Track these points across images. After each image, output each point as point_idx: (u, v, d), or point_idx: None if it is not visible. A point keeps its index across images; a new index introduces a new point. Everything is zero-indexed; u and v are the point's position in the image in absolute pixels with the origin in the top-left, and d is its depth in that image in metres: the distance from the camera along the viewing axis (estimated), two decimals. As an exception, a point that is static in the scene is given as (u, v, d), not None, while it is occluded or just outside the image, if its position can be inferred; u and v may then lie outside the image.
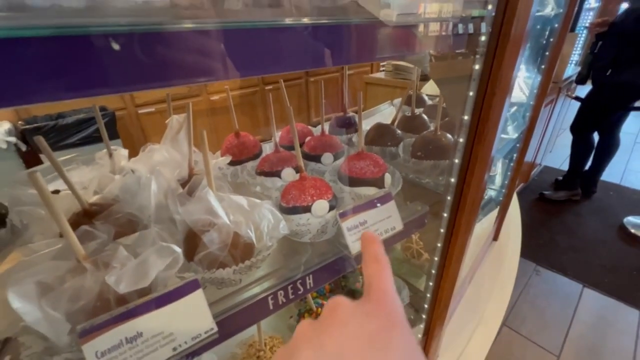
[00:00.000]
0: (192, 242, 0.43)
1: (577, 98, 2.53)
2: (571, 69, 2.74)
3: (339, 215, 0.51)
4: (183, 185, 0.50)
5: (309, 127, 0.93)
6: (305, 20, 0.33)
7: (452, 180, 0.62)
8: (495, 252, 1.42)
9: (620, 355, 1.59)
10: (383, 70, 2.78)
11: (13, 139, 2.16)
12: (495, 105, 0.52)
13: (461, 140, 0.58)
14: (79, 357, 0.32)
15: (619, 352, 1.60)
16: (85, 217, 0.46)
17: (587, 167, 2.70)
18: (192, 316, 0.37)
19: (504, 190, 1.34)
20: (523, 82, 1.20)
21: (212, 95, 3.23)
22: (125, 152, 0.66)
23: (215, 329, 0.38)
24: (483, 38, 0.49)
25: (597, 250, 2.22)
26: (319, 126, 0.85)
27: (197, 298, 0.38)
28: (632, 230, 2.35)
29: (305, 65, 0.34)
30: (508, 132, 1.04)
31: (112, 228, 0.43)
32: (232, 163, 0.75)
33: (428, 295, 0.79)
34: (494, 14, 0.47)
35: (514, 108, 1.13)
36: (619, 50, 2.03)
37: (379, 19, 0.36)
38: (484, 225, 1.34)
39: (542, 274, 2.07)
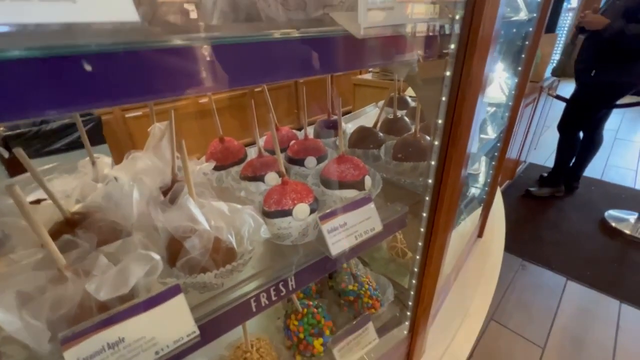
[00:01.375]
0: (174, 248, 0.45)
1: (558, 97, 2.61)
2: (551, 69, 2.82)
3: (319, 218, 0.52)
4: (166, 192, 0.51)
5: (294, 131, 0.95)
6: (277, 35, 0.35)
7: (430, 181, 0.64)
8: (480, 248, 1.46)
9: (602, 344, 1.65)
10: (371, 72, 2.81)
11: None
12: (467, 109, 0.54)
13: (436, 143, 0.60)
14: (61, 364, 0.33)
15: (600, 341, 1.66)
16: (67, 226, 0.47)
17: (570, 164, 2.78)
18: (174, 320, 0.38)
19: (486, 188, 1.38)
20: (504, 83, 1.24)
21: (201, 98, 3.21)
22: (108, 160, 0.66)
23: (197, 332, 0.39)
24: (452, 45, 0.52)
25: (580, 244, 2.29)
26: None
27: (179, 303, 0.39)
28: (613, 224, 2.43)
29: (278, 77, 0.36)
30: (488, 132, 1.07)
31: (94, 236, 0.44)
32: (217, 168, 0.76)
33: (412, 292, 0.81)
34: (462, 18, 0.49)
35: (494, 109, 1.17)
36: (601, 50, 2.09)
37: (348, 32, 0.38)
38: (468, 223, 1.38)
39: (527, 268, 2.13)
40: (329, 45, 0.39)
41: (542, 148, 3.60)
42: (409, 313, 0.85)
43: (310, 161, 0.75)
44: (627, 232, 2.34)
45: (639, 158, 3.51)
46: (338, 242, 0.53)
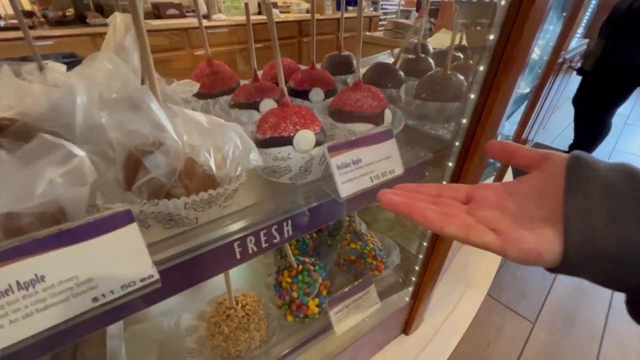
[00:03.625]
0: (131, 167, 0.33)
1: (580, 71, 2.43)
2: (575, 42, 2.61)
3: (327, 149, 0.40)
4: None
5: (300, 65, 0.80)
6: None
7: (464, 121, 0.52)
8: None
9: (592, 322, 1.64)
10: (382, 30, 2.58)
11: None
12: (532, 17, 0.41)
13: (481, 68, 0.47)
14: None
15: (591, 320, 1.65)
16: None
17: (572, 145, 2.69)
18: (122, 258, 0.27)
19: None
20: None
21: (197, 50, 2.95)
22: (62, 67, 0.52)
23: (156, 276, 0.29)
24: None
25: (580, 225, 2.25)
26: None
27: (129, 235, 0.27)
28: (614, 208, 2.38)
29: None
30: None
31: (21, 146, 0.31)
32: (202, 96, 0.63)
33: (420, 256, 0.72)
34: None
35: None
36: (617, 31, 1.90)
37: None
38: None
39: (525, 246, 2.09)
40: None
41: (550, 128, 3.47)
42: (413, 278, 0.77)
43: (317, 93, 0.61)
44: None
45: (647, 144, 3.41)
46: (349, 181, 0.42)
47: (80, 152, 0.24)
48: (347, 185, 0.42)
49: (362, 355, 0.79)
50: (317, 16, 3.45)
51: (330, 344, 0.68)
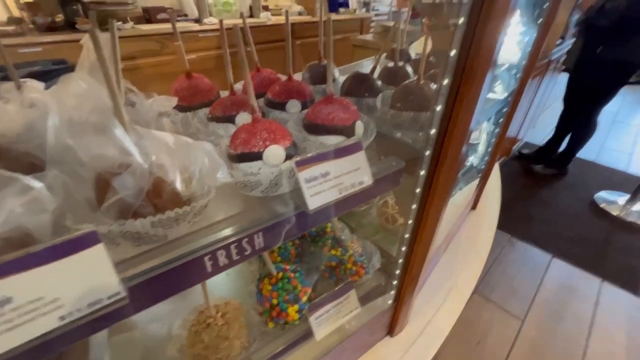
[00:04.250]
0: (101, 188, 0.34)
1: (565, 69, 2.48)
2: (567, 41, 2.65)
3: (295, 163, 0.42)
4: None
5: (280, 75, 0.81)
6: None
7: (433, 131, 0.54)
8: (473, 221, 1.40)
9: (580, 319, 1.67)
10: (372, 32, 2.60)
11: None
12: (488, 36, 0.43)
13: (446, 82, 0.49)
14: None
15: (578, 316, 1.68)
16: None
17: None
18: (88, 278, 0.29)
19: (486, 158, 1.29)
20: (519, 36, 1.09)
21: (189, 55, 2.94)
22: (39, 84, 0.53)
23: (123, 293, 0.30)
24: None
25: (568, 223, 2.29)
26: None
27: (96, 255, 0.29)
28: (602, 205, 2.42)
29: None
30: (495, 90, 0.96)
31: (-5, 169, 0.33)
32: (182, 109, 0.64)
33: (400, 260, 0.74)
34: None
35: (506, 65, 1.04)
36: (609, 27, 1.94)
37: None
38: (464, 194, 1.31)
39: (515, 244, 2.12)
40: None
41: (540, 127, 3.51)
42: (395, 282, 0.79)
43: (294, 105, 0.63)
44: (615, 213, 2.34)
45: (634, 142, 3.47)
46: (317, 194, 0.44)
47: (37, 184, 0.26)
48: (315, 198, 0.43)
49: (346, 356, 0.80)
50: (308, 18, 3.47)
51: (314, 348, 0.70)
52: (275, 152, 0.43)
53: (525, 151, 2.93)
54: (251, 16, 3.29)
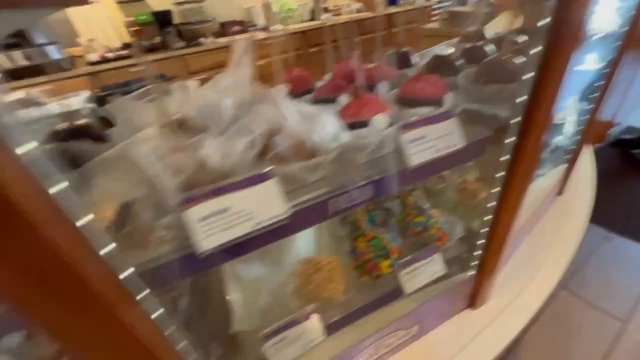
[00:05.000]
0: (266, 145, 0.48)
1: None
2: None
3: (402, 127, 0.51)
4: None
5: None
6: None
7: (521, 99, 0.58)
8: (560, 207, 1.32)
9: None
10: (437, 20, 2.55)
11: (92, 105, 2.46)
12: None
13: (535, 50, 0.53)
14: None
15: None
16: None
17: None
18: (268, 201, 0.42)
19: (575, 139, 1.20)
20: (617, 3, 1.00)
21: (258, 61, 3.25)
22: (194, 83, 0.72)
23: (288, 213, 0.43)
24: None
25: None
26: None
27: (271, 186, 0.42)
28: None
29: None
30: (586, 62, 0.90)
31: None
32: (289, 96, 0.79)
33: (484, 229, 0.77)
34: None
35: (597, 36, 0.97)
36: None
37: None
38: (550, 178, 1.24)
39: (612, 240, 1.88)
40: None
41: (644, 108, 2.98)
42: (477, 252, 0.82)
43: (384, 86, 0.72)
44: None
45: None
46: (417, 153, 0.52)
47: (257, 128, 0.40)
48: (416, 156, 0.52)
49: (428, 322, 0.86)
50: (369, 14, 3.53)
51: (400, 307, 0.78)
52: (380, 120, 0.53)
53: (627, 137, 2.52)
54: (312, 19, 3.47)
